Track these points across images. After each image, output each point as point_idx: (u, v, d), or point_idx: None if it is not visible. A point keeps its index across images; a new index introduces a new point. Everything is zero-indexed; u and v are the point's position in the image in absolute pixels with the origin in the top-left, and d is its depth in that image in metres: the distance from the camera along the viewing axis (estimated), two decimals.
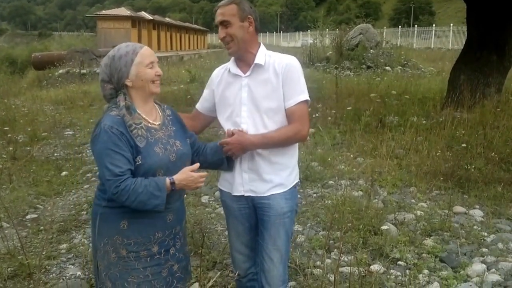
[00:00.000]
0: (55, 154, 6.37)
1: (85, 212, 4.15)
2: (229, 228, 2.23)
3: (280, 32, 58.50)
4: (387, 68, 14.03)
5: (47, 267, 3.15)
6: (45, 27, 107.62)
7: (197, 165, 1.79)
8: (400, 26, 32.66)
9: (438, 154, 5.18)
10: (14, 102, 10.96)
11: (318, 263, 3.09)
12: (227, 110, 2.05)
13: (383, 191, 4.40)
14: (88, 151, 6.46)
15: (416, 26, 34.30)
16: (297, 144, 2.12)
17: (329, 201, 4.12)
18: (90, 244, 3.07)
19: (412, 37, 30.45)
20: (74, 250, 3.42)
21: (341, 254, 2.93)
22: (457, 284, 2.82)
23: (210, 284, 2.24)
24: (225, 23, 1.93)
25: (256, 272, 2.25)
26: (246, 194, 2.05)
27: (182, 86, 11.36)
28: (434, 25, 33.54)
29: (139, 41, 26.86)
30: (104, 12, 31.73)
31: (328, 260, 3.13)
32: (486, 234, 3.51)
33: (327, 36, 17.67)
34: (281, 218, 2.04)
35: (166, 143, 1.80)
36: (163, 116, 1.89)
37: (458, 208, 3.97)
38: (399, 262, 3.10)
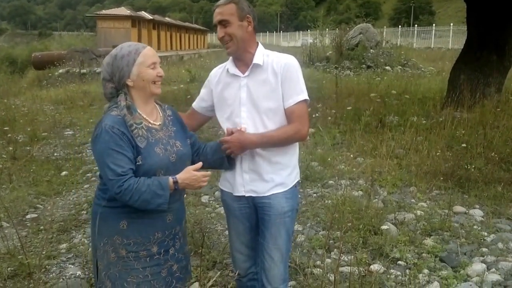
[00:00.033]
0: (55, 154, 6.37)
1: (85, 212, 4.15)
2: (230, 227, 2.23)
3: (280, 31, 58.45)
4: (387, 67, 14.03)
5: (47, 266, 3.16)
6: (45, 27, 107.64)
7: (199, 164, 1.79)
8: (400, 26, 32.64)
9: (438, 154, 5.18)
10: (14, 102, 10.97)
11: (318, 262, 3.09)
12: (227, 111, 2.04)
13: (383, 191, 4.40)
14: (88, 151, 6.46)
15: (416, 25, 34.29)
16: (297, 143, 2.11)
17: (329, 201, 4.12)
18: (90, 244, 3.07)
19: (412, 37, 30.46)
20: (74, 249, 3.42)
21: (341, 254, 2.93)
22: (457, 283, 2.82)
23: (210, 283, 2.25)
24: (224, 23, 1.92)
25: (257, 271, 2.25)
26: (247, 195, 2.05)
27: (182, 85, 11.35)
28: (434, 24, 33.53)
29: (139, 40, 26.83)
30: (104, 11, 31.72)
31: (328, 260, 3.13)
32: (486, 233, 3.52)
33: (327, 35, 17.67)
34: (282, 217, 2.04)
35: (167, 143, 1.80)
36: (163, 117, 1.88)
37: (458, 208, 3.97)
38: (399, 262, 3.10)
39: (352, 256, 3.03)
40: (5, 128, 7.39)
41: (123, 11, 29.48)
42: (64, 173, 5.34)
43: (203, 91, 2.18)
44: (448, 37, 28.50)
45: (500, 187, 4.31)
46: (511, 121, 6.10)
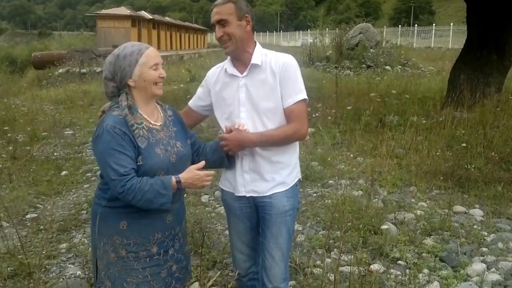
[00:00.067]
0: (55, 154, 6.37)
1: (85, 212, 4.15)
2: (230, 227, 2.23)
3: (280, 31, 58.46)
4: (387, 67, 14.02)
5: (47, 266, 3.15)
6: (45, 27, 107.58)
7: (202, 163, 1.79)
8: (400, 26, 32.63)
9: (438, 153, 5.17)
10: (14, 101, 10.97)
11: (318, 262, 3.09)
12: (226, 111, 2.04)
13: (383, 191, 4.40)
14: (88, 150, 6.46)
15: (416, 25, 34.28)
16: (297, 142, 2.11)
17: (329, 201, 4.12)
18: (90, 243, 3.07)
19: (412, 37, 30.45)
20: (74, 249, 3.42)
21: (341, 254, 2.93)
22: (457, 283, 2.82)
23: (210, 283, 2.25)
24: (222, 22, 1.91)
25: (257, 271, 2.25)
26: (248, 195, 2.05)
27: (182, 85, 11.35)
28: (434, 24, 33.53)
29: (139, 40, 26.82)
30: (104, 11, 31.71)
31: (328, 260, 3.13)
32: (486, 233, 3.52)
33: (327, 35, 17.65)
34: (282, 216, 2.04)
35: (167, 144, 1.80)
36: (164, 117, 1.88)
37: (458, 208, 3.97)
38: (399, 262, 3.10)
39: (352, 256, 3.03)
40: (5, 128, 7.39)
41: (123, 10, 29.47)
42: (64, 172, 5.34)
43: (200, 90, 2.17)
44: (448, 37, 28.50)
45: (500, 187, 4.31)
46: (511, 120, 6.10)
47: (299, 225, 3.65)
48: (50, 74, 16.25)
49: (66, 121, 8.54)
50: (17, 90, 13.64)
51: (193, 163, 1.86)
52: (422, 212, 3.89)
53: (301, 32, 46.78)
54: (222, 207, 3.96)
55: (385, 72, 13.26)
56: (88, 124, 7.90)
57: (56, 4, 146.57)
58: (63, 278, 2.99)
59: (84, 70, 15.93)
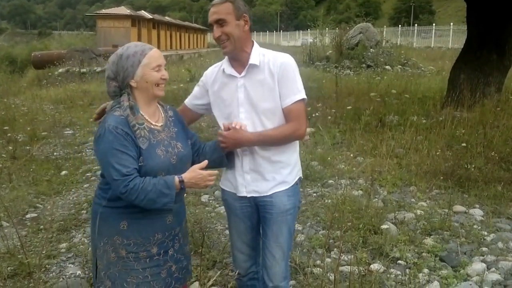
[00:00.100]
0: (55, 154, 6.36)
1: (85, 211, 4.15)
2: (231, 227, 2.23)
3: (280, 31, 58.47)
4: (387, 67, 14.02)
5: (47, 266, 3.15)
6: (45, 26, 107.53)
7: (205, 162, 1.79)
8: (400, 25, 32.63)
9: (438, 153, 5.18)
10: (13, 101, 10.97)
11: (318, 262, 3.09)
12: (225, 111, 2.04)
13: (383, 190, 4.40)
14: (88, 150, 6.46)
15: (416, 25, 34.27)
16: (297, 141, 2.11)
17: (329, 200, 4.12)
18: (90, 243, 3.07)
19: (412, 36, 30.45)
20: (74, 249, 3.41)
21: (341, 253, 2.93)
22: (457, 283, 2.82)
23: (210, 283, 2.25)
24: (220, 22, 1.89)
25: (257, 271, 2.25)
26: (249, 195, 2.05)
27: (182, 85, 11.35)
28: (434, 24, 33.54)
29: (139, 40, 26.84)
30: (103, 11, 31.71)
31: (328, 259, 3.13)
32: (486, 233, 3.52)
33: (327, 35, 17.65)
34: (283, 215, 2.04)
35: (168, 145, 1.80)
36: (165, 117, 1.88)
37: (458, 207, 3.97)
38: (399, 261, 3.10)
39: (352, 256, 3.03)
40: (5, 128, 7.39)
41: (123, 10, 29.46)
42: (64, 172, 5.34)
43: (196, 89, 2.16)
44: (448, 37, 28.50)
45: (500, 187, 4.31)
46: (511, 120, 6.10)
47: (299, 224, 3.65)
48: (50, 73, 16.24)
49: (66, 120, 8.54)
50: (17, 90, 13.64)
51: (193, 163, 1.86)
52: (422, 211, 3.89)
53: (301, 31, 46.78)
54: (222, 207, 3.96)
55: (385, 71, 13.25)
56: (88, 123, 7.89)
57: (56, 4, 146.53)
58: (63, 278, 2.98)
59: (84, 70, 15.93)
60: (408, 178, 4.68)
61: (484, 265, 3.00)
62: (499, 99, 7.23)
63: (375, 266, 2.98)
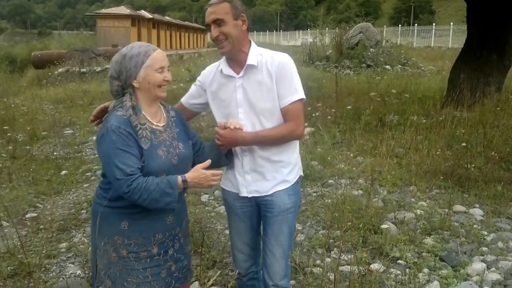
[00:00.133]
0: (55, 153, 6.36)
1: (84, 211, 4.15)
2: (231, 226, 2.23)
3: (280, 30, 58.44)
4: (387, 67, 14.02)
5: (47, 266, 3.15)
6: (45, 26, 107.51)
7: (208, 162, 1.78)
8: (400, 25, 32.62)
9: (438, 153, 5.17)
10: (13, 101, 10.96)
11: (318, 262, 3.09)
12: (224, 111, 2.03)
13: (383, 190, 4.40)
14: (88, 150, 6.46)
15: (416, 25, 34.26)
16: (297, 140, 2.11)
17: (329, 200, 4.12)
18: (90, 242, 3.07)
19: (412, 36, 30.44)
20: (74, 249, 3.41)
21: (341, 253, 2.93)
22: (457, 283, 2.82)
23: (210, 283, 2.25)
24: (218, 22, 1.88)
25: (257, 271, 2.25)
26: (250, 195, 2.05)
27: (182, 85, 11.34)
28: (434, 24, 33.52)
29: (139, 40, 26.82)
30: (103, 10, 31.70)
31: (328, 259, 3.13)
32: (486, 233, 3.52)
33: (327, 35, 17.64)
34: (284, 214, 2.04)
35: (170, 145, 1.80)
36: (167, 118, 1.88)
37: (458, 207, 3.97)
38: (399, 261, 3.10)
39: (352, 255, 3.03)
40: (5, 127, 7.38)
41: (123, 10, 29.45)
42: (63, 172, 5.34)
43: (193, 88, 2.15)
44: (448, 36, 28.49)
45: (500, 186, 4.31)
46: (511, 120, 6.10)
47: (299, 224, 3.65)
48: (49, 73, 16.23)
49: (66, 120, 8.54)
50: (17, 90, 13.63)
51: (193, 164, 1.86)
52: (422, 211, 3.89)
53: (301, 31, 46.76)
54: (222, 207, 3.97)
55: (385, 71, 13.25)
56: (88, 123, 7.85)
57: (56, 4, 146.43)
58: (63, 278, 2.98)
59: (84, 70, 15.91)
60: (408, 177, 4.68)
61: (484, 264, 3.00)
62: (499, 98, 7.23)
63: (375, 266, 2.98)
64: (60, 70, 16.20)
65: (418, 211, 3.88)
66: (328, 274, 2.85)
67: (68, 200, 4.53)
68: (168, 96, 1.86)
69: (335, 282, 2.24)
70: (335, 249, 3.29)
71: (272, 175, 2.02)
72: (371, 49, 14.99)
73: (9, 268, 3.02)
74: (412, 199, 4.22)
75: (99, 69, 15.90)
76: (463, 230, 3.53)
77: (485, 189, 4.32)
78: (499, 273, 2.91)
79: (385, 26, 33.14)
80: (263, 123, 1.97)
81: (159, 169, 1.73)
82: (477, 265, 2.98)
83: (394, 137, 5.75)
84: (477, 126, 5.92)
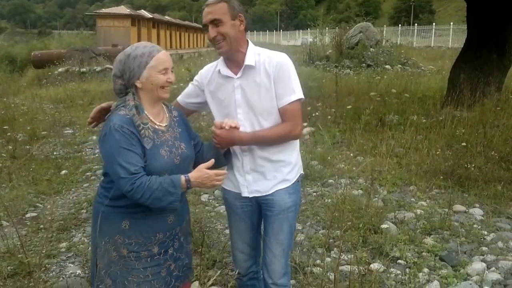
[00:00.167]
0: (55, 153, 6.36)
1: (84, 211, 4.15)
2: (231, 226, 2.23)
3: (280, 30, 58.42)
4: (387, 66, 14.01)
5: (47, 265, 3.15)
6: (45, 26, 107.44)
7: (212, 161, 1.78)
8: (400, 25, 32.59)
9: (438, 152, 5.17)
10: (13, 100, 10.95)
11: (318, 261, 3.09)
12: (223, 112, 2.03)
13: (383, 190, 4.40)
14: (88, 149, 6.46)
15: (416, 24, 34.25)
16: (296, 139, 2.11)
17: (329, 200, 4.12)
18: (90, 242, 3.07)
19: (412, 36, 30.42)
20: (74, 248, 3.42)
21: (341, 253, 2.93)
22: (457, 282, 2.82)
23: (210, 282, 2.24)
24: (216, 22, 1.87)
25: (257, 271, 2.25)
26: (251, 195, 2.05)
27: (181, 84, 11.34)
28: (434, 23, 33.51)
29: (139, 39, 26.82)
30: (103, 10, 31.68)
31: (328, 259, 3.13)
32: (486, 232, 3.52)
33: (327, 34, 17.63)
34: (284, 213, 2.05)
35: (172, 145, 1.80)
36: (169, 118, 1.88)
37: (458, 207, 3.97)
38: (399, 261, 3.10)
39: (352, 255, 3.03)
40: (5, 127, 7.38)
41: (123, 9, 29.43)
42: (63, 172, 5.34)
43: (191, 87, 2.14)
44: (448, 36, 28.48)
45: (500, 186, 4.31)
46: (511, 120, 6.10)
47: (299, 224, 3.65)
48: (49, 73, 16.21)
49: (66, 120, 8.54)
50: (17, 89, 13.62)
51: (194, 164, 1.86)
52: (422, 211, 3.89)
53: (301, 31, 46.75)
54: (222, 206, 3.97)
55: (385, 71, 13.25)
56: None
57: (56, 3, 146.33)
58: (63, 277, 2.99)
59: (84, 69, 15.89)
60: (408, 177, 4.68)
61: (484, 264, 3.00)
62: (499, 98, 7.23)
63: (375, 266, 2.98)
64: (60, 69, 16.18)
65: (418, 211, 3.88)
66: (328, 274, 2.85)
67: (68, 199, 4.53)
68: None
69: (335, 281, 2.23)
70: (335, 248, 3.29)
71: (272, 174, 2.02)
72: (371, 49, 14.99)
73: (9, 267, 3.02)
74: (412, 199, 4.22)
75: (99, 68, 15.89)
76: (463, 230, 3.53)
77: (485, 188, 4.32)
78: (499, 273, 2.91)
79: (385, 25, 33.10)
80: (262, 123, 1.97)
81: (161, 169, 1.73)
82: (477, 265, 2.99)
83: (394, 136, 5.75)
84: (477, 125, 5.92)
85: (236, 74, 1.97)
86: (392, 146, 5.38)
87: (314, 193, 4.42)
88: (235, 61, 1.97)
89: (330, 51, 15.66)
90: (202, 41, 47.93)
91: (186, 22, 45.47)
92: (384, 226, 3.51)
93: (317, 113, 7.35)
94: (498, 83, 7.50)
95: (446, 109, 6.82)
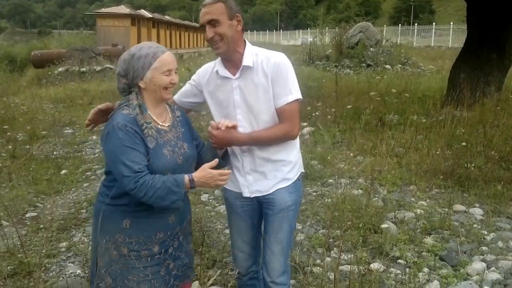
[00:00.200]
0: (55, 153, 6.36)
1: (84, 211, 4.15)
2: (231, 226, 2.23)
3: (280, 30, 58.41)
4: (387, 66, 14.01)
5: (47, 265, 3.15)
6: (45, 25, 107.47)
7: (215, 161, 1.78)
8: (400, 25, 32.59)
9: (438, 152, 5.17)
10: (13, 100, 10.95)
11: (318, 261, 3.09)
12: (222, 112, 2.03)
13: (383, 190, 4.40)
14: (88, 149, 6.46)
15: (416, 24, 34.26)
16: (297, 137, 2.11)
17: (329, 200, 4.12)
18: (90, 243, 3.07)
19: (412, 36, 30.42)
20: (74, 248, 3.42)
21: (341, 253, 2.93)
22: (457, 282, 2.82)
23: (210, 282, 2.24)
24: (213, 22, 1.86)
25: (257, 270, 2.25)
26: (252, 196, 2.05)
27: (181, 84, 11.34)
28: (434, 23, 33.52)
29: (138, 39, 26.83)
30: (103, 10, 31.68)
31: (328, 259, 3.13)
32: (486, 232, 3.52)
33: (327, 34, 17.62)
34: (284, 211, 2.05)
35: (175, 145, 1.81)
36: (172, 118, 1.89)
37: (458, 207, 3.97)
38: (399, 261, 3.10)
39: (352, 255, 3.03)
40: (5, 127, 7.38)
41: (123, 9, 29.42)
42: (63, 171, 5.34)
43: (188, 87, 2.14)
44: (448, 36, 28.49)
45: (500, 186, 4.31)
46: (511, 119, 6.10)
47: (299, 224, 3.65)
48: (49, 72, 16.20)
49: (66, 120, 8.54)
50: (17, 89, 13.62)
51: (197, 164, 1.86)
52: (422, 211, 3.89)
53: (301, 31, 46.76)
54: (222, 206, 3.97)
55: (385, 71, 13.24)
56: None
57: (56, 3, 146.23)
58: (63, 277, 2.99)
59: (84, 69, 15.88)
60: (408, 177, 4.68)
61: (484, 264, 3.00)
62: (499, 98, 7.23)
63: (375, 265, 2.98)
64: (60, 69, 16.16)
65: (418, 211, 3.88)
66: (328, 274, 2.85)
67: (68, 199, 4.53)
68: None
69: (335, 281, 2.23)
70: (335, 248, 3.29)
71: (273, 174, 2.03)
72: (371, 49, 14.98)
73: (9, 267, 3.02)
74: (412, 199, 4.22)
75: (99, 68, 15.87)
76: (463, 230, 3.53)
77: (485, 188, 4.32)
78: (499, 273, 2.91)
79: (385, 25, 33.10)
80: (262, 124, 1.98)
81: (164, 168, 1.73)
82: (477, 265, 2.99)
83: (394, 136, 5.75)
84: (477, 125, 5.92)
85: (234, 75, 1.97)
86: (392, 146, 5.38)
87: (314, 193, 4.43)
88: (232, 62, 1.96)
89: (330, 50, 15.65)
90: (202, 41, 47.90)
91: (186, 22, 45.44)
92: (384, 225, 3.51)
93: (317, 113, 7.34)
94: (498, 82, 7.50)
95: (446, 109, 6.82)
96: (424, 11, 61.28)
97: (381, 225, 3.51)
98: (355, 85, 9.75)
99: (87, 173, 5.30)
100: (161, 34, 33.22)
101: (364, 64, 14.13)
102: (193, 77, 2.13)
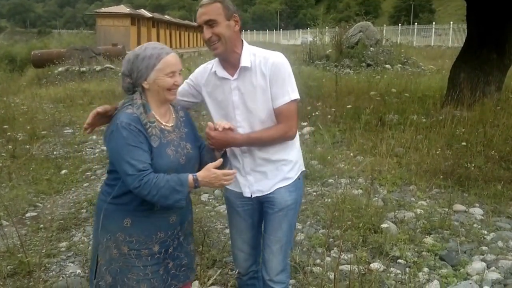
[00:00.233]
0: (55, 153, 6.36)
1: (84, 210, 4.15)
2: (231, 225, 2.23)
3: (280, 29, 58.41)
4: (387, 66, 14.01)
5: (47, 265, 3.16)
6: (45, 25, 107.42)
7: (220, 161, 1.78)
8: (400, 24, 32.63)
9: (438, 152, 5.17)
10: (13, 100, 10.94)
11: (318, 261, 3.09)
12: (221, 112, 2.03)
13: (383, 190, 4.40)
14: (88, 149, 6.46)
15: (416, 24, 34.27)
16: (297, 136, 2.11)
17: (329, 199, 4.12)
18: (90, 242, 3.07)
19: (412, 35, 30.42)
20: (74, 248, 3.42)
21: (341, 252, 2.93)
22: (457, 282, 2.82)
23: (210, 282, 2.25)
24: (210, 23, 1.86)
25: (257, 270, 2.25)
26: (253, 195, 2.05)
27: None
28: (434, 23, 33.52)
29: (138, 38, 26.84)
30: (103, 9, 31.71)
31: (328, 258, 3.13)
32: (486, 232, 3.52)
33: (326, 34, 17.62)
34: (285, 210, 2.05)
35: (178, 145, 1.81)
36: (176, 118, 1.89)
37: (458, 206, 3.97)
38: (399, 260, 3.10)
39: (352, 255, 3.03)
40: (5, 127, 7.38)
41: (123, 9, 29.43)
42: (63, 171, 5.34)
43: (185, 86, 2.11)
44: (448, 35, 28.49)
45: (500, 186, 4.31)
46: (511, 119, 6.10)
47: (299, 224, 3.65)
48: (49, 72, 16.20)
49: (66, 119, 8.53)
50: (17, 89, 13.62)
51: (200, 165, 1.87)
52: (422, 210, 3.89)
53: (301, 30, 46.78)
54: (222, 206, 3.97)
55: (385, 70, 13.24)
56: None
57: (56, 3, 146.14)
58: (63, 277, 2.99)
59: (84, 69, 15.87)
60: (408, 177, 4.68)
61: (484, 264, 3.00)
62: (499, 98, 7.23)
63: (375, 265, 2.98)
64: (60, 69, 16.16)
65: (418, 211, 3.88)
66: (328, 273, 2.85)
67: (68, 199, 4.53)
68: None
69: (335, 281, 2.24)
70: (335, 248, 3.29)
71: (273, 173, 2.03)
72: (371, 48, 14.98)
73: (9, 267, 3.02)
74: (412, 199, 4.22)
75: (99, 68, 15.87)
76: (463, 230, 3.53)
77: (485, 188, 4.32)
78: (499, 273, 2.91)
79: (385, 25, 33.10)
80: (261, 124, 1.97)
81: (167, 168, 1.73)
82: (477, 264, 2.99)
83: (394, 136, 5.75)
84: (477, 125, 5.92)
85: (232, 75, 1.96)
86: (392, 145, 5.38)
87: (314, 193, 4.42)
88: (230, 62, 1.96)
89: (330, 50, 15.65)
90: (202, 40, 47.86)
91: (186, 22, 45.44)
92: (384, 225, 3.51)
93: (317, 113, 7.34)
94: (498, 82, 7.50)
95: (446, 109, 6.82)
96: (424, 11, 61.34)
97: (381, 225, 3.51)
98: (355, 84, 9.74)
99: (87, 173, 5.30)
100: (161, 33, 33.23)
101: (364, 64, 14.13)
102: (190, 77, 2.12)
